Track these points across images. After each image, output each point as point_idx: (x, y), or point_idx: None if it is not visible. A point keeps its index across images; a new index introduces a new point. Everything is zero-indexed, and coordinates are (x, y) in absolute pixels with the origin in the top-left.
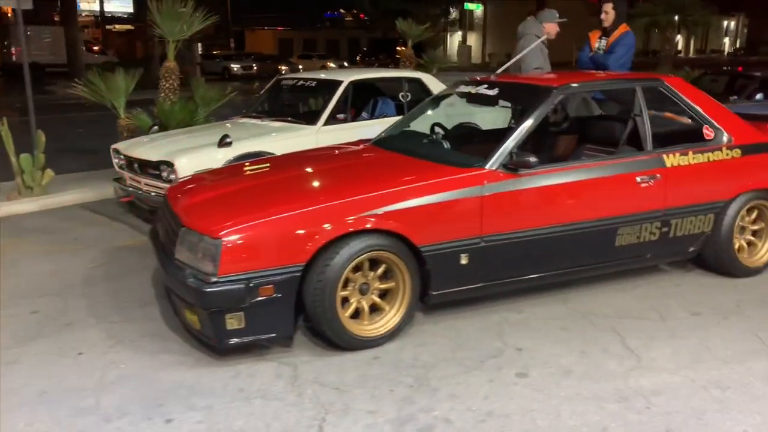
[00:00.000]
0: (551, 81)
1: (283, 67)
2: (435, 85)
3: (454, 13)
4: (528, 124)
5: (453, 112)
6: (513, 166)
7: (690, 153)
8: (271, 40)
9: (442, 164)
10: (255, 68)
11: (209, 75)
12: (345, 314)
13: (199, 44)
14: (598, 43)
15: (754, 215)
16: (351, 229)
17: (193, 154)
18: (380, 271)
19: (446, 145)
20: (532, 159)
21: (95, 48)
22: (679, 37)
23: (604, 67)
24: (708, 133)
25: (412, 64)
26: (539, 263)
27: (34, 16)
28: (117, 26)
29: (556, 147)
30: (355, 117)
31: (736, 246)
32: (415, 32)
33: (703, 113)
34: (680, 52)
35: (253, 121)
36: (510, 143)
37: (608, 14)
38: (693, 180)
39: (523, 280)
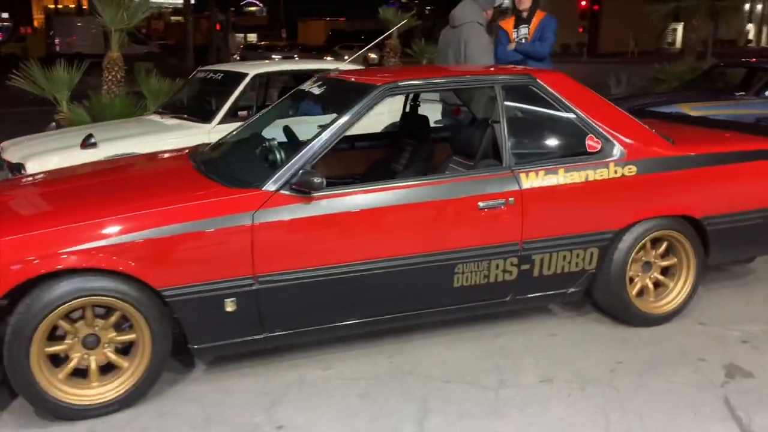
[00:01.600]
0: (376, 78)
1: (328, 57)
2: None
3: None
4: (327, 135)
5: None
6: (299, 188)
7: (560, 171)
8: (323, 31)
9: (215, 183)
10: (296, 59)
11: None
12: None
13: (254, 34)
14: (516, 33)
15: (662, 248)
16: (43, 271)
17: (48, 157)
18: (113, 319)
19: (261, 156)
20: (317, 179)
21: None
22: (750, 26)
23: (540, 56)
24: (592, 144)
25: (397, 55)
26: (350, 308)
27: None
28: (172, 17)
29: (414, 159)
30: None
31: (638, 287)
32: (398, 20)
33: (588, 119)
34: (750, 41)
35: (155, 117)
36: (301, 158)
37: None
38: (563, 205)
39: (334, 328)
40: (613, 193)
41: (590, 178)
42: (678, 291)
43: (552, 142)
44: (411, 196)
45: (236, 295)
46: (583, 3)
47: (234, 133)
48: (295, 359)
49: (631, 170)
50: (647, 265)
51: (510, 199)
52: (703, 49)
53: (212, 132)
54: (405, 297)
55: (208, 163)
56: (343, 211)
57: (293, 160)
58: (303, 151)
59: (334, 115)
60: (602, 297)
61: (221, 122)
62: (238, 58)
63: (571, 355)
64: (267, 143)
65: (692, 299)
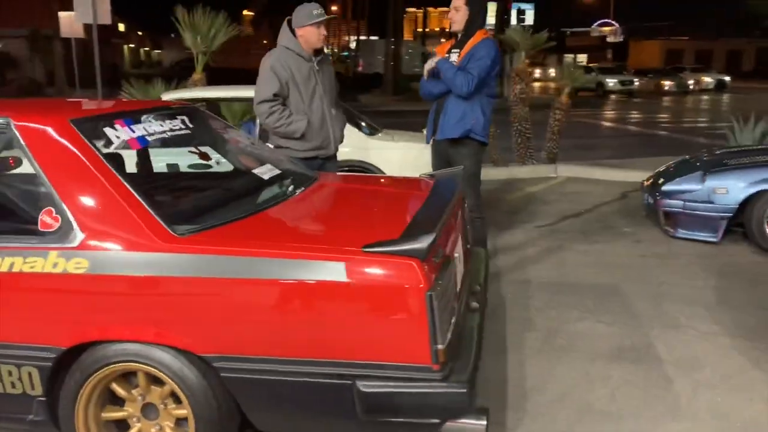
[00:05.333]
0: None
1: (666, 82)
2: None
3: None
4: None
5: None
6: None
7: None
8: (657, 51)
9: None
10: (636, 83)
11: (582, 91)
12: None
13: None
14: (447, 58)
15: (137, 390)
16: None
17: None
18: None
19: None
20: None
21: None
22: None
23: (457, 90)
24: (48, 221)
25: None
26: None
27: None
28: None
29: None
30: None
31: None
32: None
33: (52, 186)
34: None
35: None
36: None
37: (458, 12)
38: None
39: None
40: (60, 294)
41: (15, 268)
42: None
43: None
44: None
45: None
46: None
47: None
48: None
49: (80, 265)
50: (151, 409)
51: None
52: None
53: None
54: None
55: None
56: None
57: None
58: None
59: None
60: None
61: None
62: None
63: None
64: None
65: None
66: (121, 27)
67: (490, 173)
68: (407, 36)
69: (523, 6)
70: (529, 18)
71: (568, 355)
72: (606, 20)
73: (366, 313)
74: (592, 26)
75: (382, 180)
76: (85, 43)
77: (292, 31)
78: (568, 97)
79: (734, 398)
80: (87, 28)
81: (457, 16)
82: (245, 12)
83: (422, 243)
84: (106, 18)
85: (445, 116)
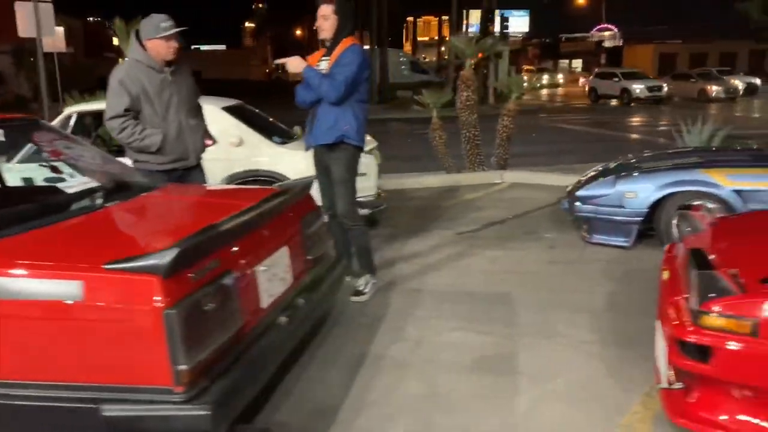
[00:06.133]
0: None
1: (714, 87)
2: None
3: None
4: None
5: None
6: None
7: None
8: (650, 55)
9: None
10: (665, 89)
11: (604, 98)
12: None
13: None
14: (317, 67)
15: None
16: None
17: None
18: None
19: None
20: None
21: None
22: None
23: (329, 98)
24: None
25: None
26: None
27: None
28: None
29: None
30: None
31: None
32: None
33: None
34: None
35: None
36: None
37: (327, 20)
38: None
39: None
40: None
41: None
42: None
43: None
44: None
45: None
46: None
47: None
48: None
49: None
50: None
51: None
52: None
53: None
54: None
55: None
56: None
57: None
58: None
59: None
60: None
61: None
62: None
63: None
64: None
65: None
66: (116, 41)
67: (433, 180)
68: (408, 44)
69: (517, 13)
70: (524, 25)
71: (424, 367)
72: (605, 25)
73: (106, 333)
74: (591, 31)
75: (218, 191)
76: (73, 56)
77: (142, 43)
78: (515, 104)
79: (575, 410)
80: (70, 42)
81: (326, 24)
82: (246, 24)
83: (162, 259)
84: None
85: (317, 123)
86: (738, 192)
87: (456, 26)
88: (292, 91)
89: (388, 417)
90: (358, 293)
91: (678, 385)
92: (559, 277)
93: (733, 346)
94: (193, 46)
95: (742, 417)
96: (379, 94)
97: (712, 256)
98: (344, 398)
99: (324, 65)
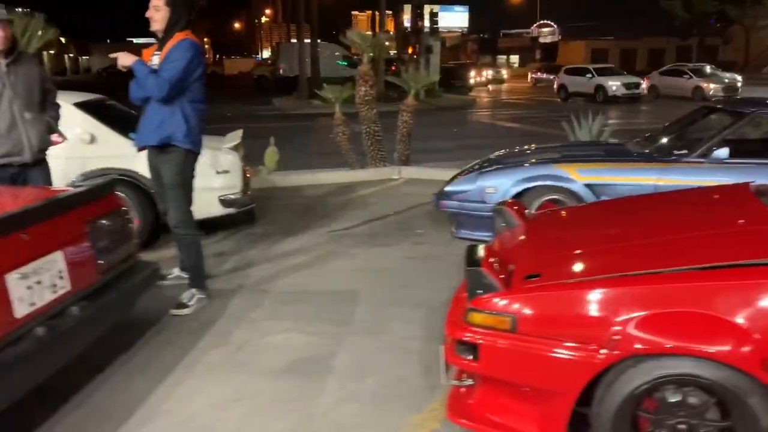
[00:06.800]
0: None
1: (712, 86)
2: None
3: None
4: None
5: None
6: None
7: None
8: (582, 51)
9: None
10: (643, 87)
11: (575, 96)
12: None
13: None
14: (150, 62)
15: None
16: None
17: None
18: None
19: None
20: None
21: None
22: None
23: (155, 95)
24: None
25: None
26: None
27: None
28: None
29: None
30: None
31: None
32: None
33: None
34: None
35: None
36: None
37: (158, 11)
38: None
39: None
40: None
41: None
42: None
43: None
44: None
45: None
46: None
47: None
48: None
49: None
50: None
51: None
52: None
53: None
54: None
55: None
56: None
57: None
58: None
59: None
60: None
61: None
62: None
63: None
64: None
65: None
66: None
67: (331, 177)
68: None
69: (456, 9)
70: (463, 21)
71: (237, 372)
72: (545, 21)
73: None
74: (532, 27)
75: (25, 192)
76: None
77: None
78: (415, 99)
79: (372, 410)
80: None
81: (157, 16)
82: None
83: None
84: None
85: (143, 122)
86: (589, 186)
87: (384, 22)
88: (223, 84)
89: (176, 426)
90: (181, 306)
91: (468, 382)
92: (412, 273)
93: (495, 342)
94: (127, 39)
95: (513, 415)
96: (309, 88)
97: (498, 253)
98: (137, 408)
99: (156, 60)
